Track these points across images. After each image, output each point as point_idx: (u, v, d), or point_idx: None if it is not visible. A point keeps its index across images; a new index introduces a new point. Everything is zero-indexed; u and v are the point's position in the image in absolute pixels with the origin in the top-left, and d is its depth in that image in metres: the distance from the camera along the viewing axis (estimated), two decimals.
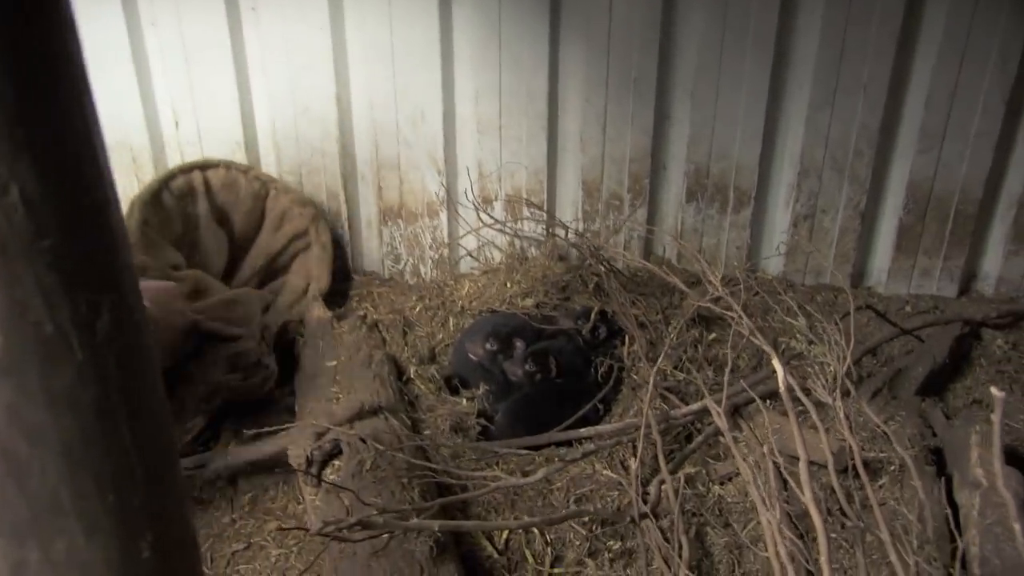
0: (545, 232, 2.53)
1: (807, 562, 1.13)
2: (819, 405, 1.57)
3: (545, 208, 2.55)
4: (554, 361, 2.05)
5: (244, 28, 2.40)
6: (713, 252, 2.58)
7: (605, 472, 1.67)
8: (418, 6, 2.31)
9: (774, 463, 1.47)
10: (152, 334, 0.57)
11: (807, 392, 1.52)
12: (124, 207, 2.37)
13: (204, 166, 2.38)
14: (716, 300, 1.72)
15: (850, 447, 1.46)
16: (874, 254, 2.56)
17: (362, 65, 2.42)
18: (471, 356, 2.18)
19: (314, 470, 1.59)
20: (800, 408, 1.60)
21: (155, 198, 2.24)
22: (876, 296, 2.54)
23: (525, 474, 1.63)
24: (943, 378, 2.05)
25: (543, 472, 1.50)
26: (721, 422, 1.52)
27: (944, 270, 2.50)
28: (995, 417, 0.98)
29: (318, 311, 2.25)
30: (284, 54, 2.40)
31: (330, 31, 2.36)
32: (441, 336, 2.39)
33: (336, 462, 1.64)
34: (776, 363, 1.13)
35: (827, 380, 1.42)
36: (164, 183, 2.27)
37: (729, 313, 1.59)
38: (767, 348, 1.41)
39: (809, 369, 1.65)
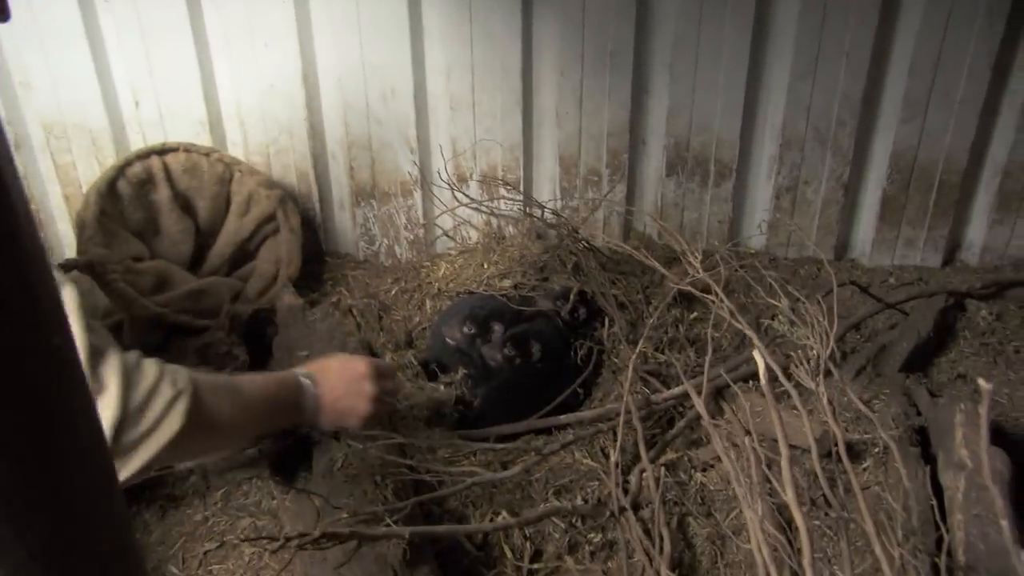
0: (523, 210, 2.47)
1: (790, 557, 1.10)
2: (801, 388, 1.53)
3: (521, 186, 2.49)
4: (536, 345, 2.00)
5: (203, 2, 2.29)
6: (695, 227, 2.54)
7: (585, 461, 1.64)
8: None
9: (755, 450, 1.43)
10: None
11: (789, 376, 1.48)
12: (82, 194, 2.29)
13: (162, 151, 2.28)
14: (696, 282, 1.68)
15: (833, 433, 1.43)
16: (857, 226, 2.53)
17: (328, 41, 2.32)
18: (448, 340, 2.13)
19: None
20: (782, 390, 1.57)
21: (111, 187, 2.15)
22: (860, 268, 2.51)
23: (504, 466, 1.60)
24: (928, 352, 2.03)
25: (521, 466, 1.47)
26: (701, 408, 1.49)
27: (928, 240, 2.47)
28: (982, 410, 0.94)
29: (289, 298, 2.18)
30: (246, 30, 2.30)
31: (293, 5, 2.27)
32: (418, 319, 2.34)
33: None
34: (756, 354, 1.08)
35: (809, 364, 1.39)
36: (120, 171, 2.18)
37: (709, 297, 1.54)
38: (748, 332, 1.37)
39: (791, 353, 1.61)
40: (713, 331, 2.09)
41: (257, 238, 2.44)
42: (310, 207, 2.56)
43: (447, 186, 2.46)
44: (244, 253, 2.44)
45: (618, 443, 1.53)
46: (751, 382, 1.84)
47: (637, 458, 1.61)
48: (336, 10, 2.27)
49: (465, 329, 2.10)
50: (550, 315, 2.14)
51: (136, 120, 2.41)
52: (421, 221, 2.57)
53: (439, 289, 2.40)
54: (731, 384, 1.76)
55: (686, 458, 1.67)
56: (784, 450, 1.27)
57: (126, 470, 1.00)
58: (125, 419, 0.99)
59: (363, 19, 2.27)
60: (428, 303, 2.38)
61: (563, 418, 1.76)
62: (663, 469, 1.62)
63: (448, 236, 2.60)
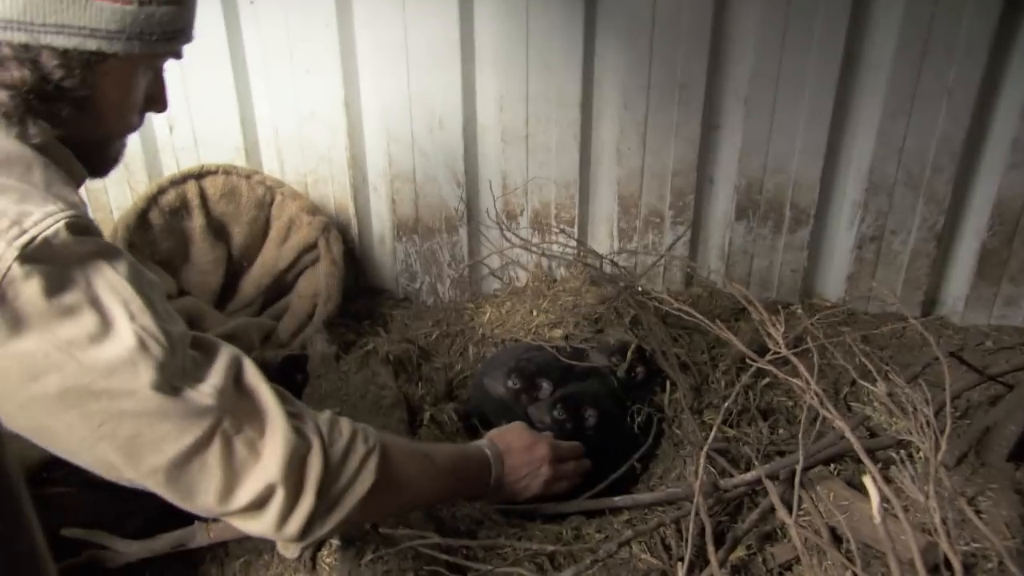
0: (576, 255, 2.32)
1: None
2: (901, 493, 1.34)
3: (576, 227, 2.35)
4: (591, 411, 1.84)
5: (242, 24, 2.20)
6: (764, 275, 2.37)
7: (644, 557, 1.47)
8: (435, 1, 2.09)
9: (848, 557, 1.25)
10: None
11: (888, 480, 1.30)
12: (113, 222, 2.20)
13: (200, 174, 2.19)
14: (779, 359, 1.50)
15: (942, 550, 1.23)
16: (950, 280, 2.32)
17: (373, 66, 2.21)
18: (491, 392, 1.99)
19: (308, 554, 1.40)
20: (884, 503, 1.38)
21: (141, 219, 2.06)
22: (950, 327, 2.30)
23: (552, 562, 1.43)
24: None
25: (571, 572, 1.30)
26: (777, 502, 1.31)
27: None
28: None
29: (321, 344, 2.06)
30: (286, 54, 2.21)
31: (336, 28, 2.16)
32: (460, 367, 2.22)
33: (334, 542, 1.45)
34: (869, 483, 0.91)
35: (915, 469, 1.20)
36: (152, 200, 2.09)
37: (796, 381, 1.36)
38: (849, 435, 1.18)
39: (892, 454, 1.42)
40: (787, 400, 1.92)
41: (296, 268, 2.33)
42: (349, 240, 2.46)
43: (495, 224, 2.34)
44: (281, 285, 2.34)
45: (687, 542, 1.35)
46: (832, 466, 1.65)
47: (702, 551, 1.43)
48: (382, 34, 2.15)
49: (510, 383, 1.96)
50: (604, 373, 1.99)
51: (170, 145, 2.33)
52: (466, 259, 2.44)
53: (483, 335, 2.29)
54: (810, 469, 1.58)
55: (760, 557, 1.48)
56: (895, 566, 1.09)
57: (329, 523, 1.05)
58: (328, 474, 1.03)
59: (411, 44, 2.15)
60: (471, 349, 2.26)
61: (618, 500, 1.61)
62: (733, 573, 1.44)
63: (495, 276, 2.48)
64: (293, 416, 1.03)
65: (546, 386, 1.96)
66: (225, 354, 1.02)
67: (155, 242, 2.12)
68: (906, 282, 2.30)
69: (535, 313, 2.27)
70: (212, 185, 2.17)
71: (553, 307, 2.26)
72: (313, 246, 2.28)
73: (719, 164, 2.26)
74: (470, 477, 1.43)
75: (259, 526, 1.00)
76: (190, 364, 0.98)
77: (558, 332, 2.18)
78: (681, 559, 1.36)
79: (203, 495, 0.96)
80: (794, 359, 1.41)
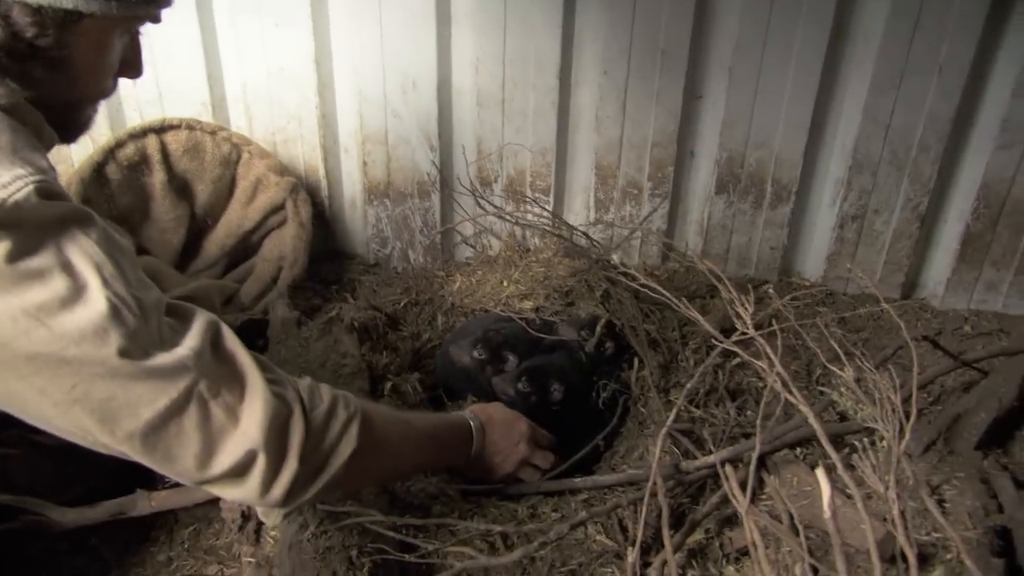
0: (551, 225, 2.27)
1: None
2: (863, 481, 1.30)
3: (552, 196, 2.29)
4: (557, 384, 1.80)
5: None
6: (743, 252, 2.33)
7: (599, 538, 1.44)
8: None
9: (803, 543, 1.21)
10: None
11: (851, 467, 1.25)
12: (72, 172, 2.12)
13: (161, 128, 2.10)
14: (747, 339, 1.45)
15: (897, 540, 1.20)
16: (931, 263, 2.28)
17: (345, 21, 2.13)
18: (457, 362, 1.95)
19: (250, 527, 1.36)
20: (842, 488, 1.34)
21: (97, 172, 1.99)
22: (929, 311, 2.26)
23: (505, 541, 1.40)
24: (1011, 425, 1.76)
25: (521, 551, 1.26)
26: (733, 491, 1.27)
27: (1015, 285, 2.20)
28: None
29: (282, 309, 2.00)
30: (254, 5, 2.11)
31: None
32: (427, 336, 2.18)
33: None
34: (820, 476, 0.87)
35: (878, 457, 1.15)
36: (109, 154, 2.01)
37: (760, 364, 1.31)
38: (812, 421, 1.14)
39: (855, 441, 1.38)
40: (758, 381, 1.88)
41: (262, 230, 2.27)
42: (319, 202, 2.39)
43: (469, 191, 2.27)
44: (246, 247, 2.28)
45: (640, 524, 1.31)
46: (798, 450, 1.61)
47: (659, 534, 1.40)
48: None
49: (475, 354, 1.92)
50: (572, 347, 1.95)
51: (134, 97, 2.24)
52: (438, 226, 2.39)
53: (452, 304, 2.23)
54: (774, 453, 1.55)
55: (717, 543, 1.45)
56: (840, 563, 1.05)
57: (313, 488, 1.04)
58: (310, 438, 1.02)
59: (385, 1, 2.05)
60: (440, 318, 2.22)
61: (579, 481, 1.57)
62: (690, 557, 1.40)
63: (467, 244, 2.43)
64: (273, 382, 1.01)
65: (512, 359, 1.91)
66: (201, 319, 1.00)
67: (112, 197, 2.04)
68: (887, 263, 2.26)
69: (506, 283, 2.22)
70: (174, 140, 2.09)
71: (524, 278, 2.21)
72: (280, 207, 2.21)
73: (700, 136, 2.20)
74: (452, 446, 1.44)
75: (242, 492, 0.99)
76: (166, 331, 0.95)
77: (528, 304, 2.13)
78: (634, 542, 1.33)
79: (182, 461, 0.94)
80: (760, 339, 1.36)
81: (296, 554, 1.26)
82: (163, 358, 0.91)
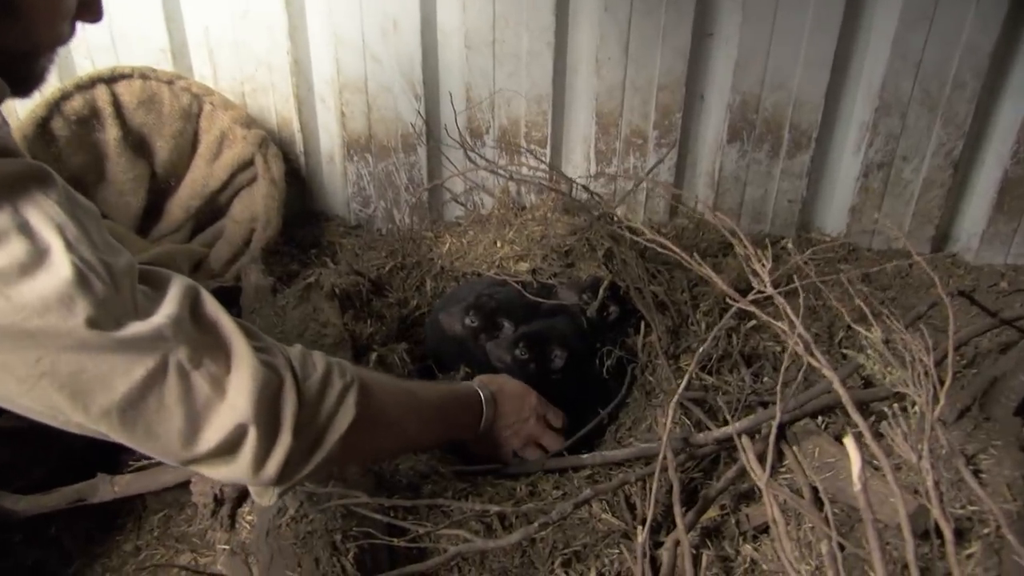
0: (548, 180, 2.24)
1: None
2: (892, 451, 1.28)
3: (549, 148, 2.25)
4: (559, 351, 1.79)
5: None
6: (758, 206, 2.29)
7: (605, 517, 1.42)
8: None
9: (827, 519, 1.19)
10: None
11: (880, 437, 1.24)
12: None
13: (111, 78, 2.03)
14: (763, 299, 1.42)
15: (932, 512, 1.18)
16: (965, 214, 2.24)
17: None
18: (448, 331, 1.95)
19: (224, 511, 1.34)
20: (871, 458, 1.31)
21: (41, 128, 1.93)
22: (962, 266, 2.24)
23: (503, 522, 1.38)
24: None
25: (520, 533, 1.24)
26: (752, 465, 1.25)
27: None
28: None
29: (256, 275, 1.97)
30: None
31: None
32: (415, 303, 2.16)
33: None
34: (849, 444, 0.84)
35: (909, 425, 1.12)
36: (54, 107, 1.95)
37: (779, 325, 1.28)
38: (837, 387, 1.11)
39: (884, 407, 1.35)
40: (775, 345, 1.86)
41: (230, 189, 2.22)
42: (293, 158, 2.34)
43: (458, 143, 2.23)
44: (213, 208, 2.23)
45: (650, 501, 1.29)
46: (821, 419, 1.59)
47: (670, 511, 1.38)
48: None
49: (468, 321, 1.92)
50: (573, 312, 1.94)
51: (84, 44, 2.18)
52: (425, 182, 2.35)
53: (442, 268, 2.22)
54: (796, 422, 1.52)
55: (733, 520, 1.43)
56: (872, 538, 1.03)
57: (310, 464, 1.03)
58: (304, 410, 1.01)
59: None
60: (429, 283, 2.20)
61: (586, 458, 1.55)
62: (704, 536, 1.39)
63: (457, 202, 2.39)
64: (261, 350, 1.00)
65: (507, 326, 1.90)
66: (179, 284, 0.97)
67: (61, 157, 1.98)
68: (916, 215, 2.23)
69: (500, 244, 2.20)
70: (127, 91, 2.02)
71: (520, 238, 2.19)
72: (249, 163, 2.16)
73: (711, 78, 2.16)
74: (460, 417, 1.45)
75: (234, 471, 0.98)
76: (140, 299, 0.91)
77: (524, 266, 2.11)
78: (643, 521, 1.31)
79: (165, 438, 0.92)
80: (779, 298, 1.33)
81: (274, 540, 1.24)
82: (137, 327, 0.88)
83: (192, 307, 0.95)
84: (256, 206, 2.18)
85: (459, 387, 1.51)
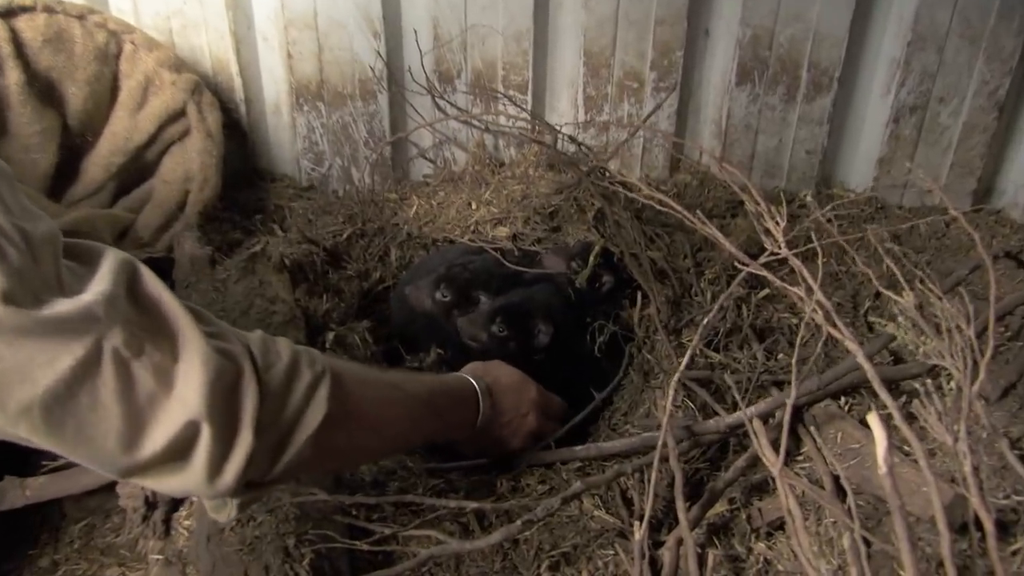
0: (530, 130, 2.24)
1: None
2: (926, 433, 1.30)
3: (530, 94, 2.26)
4: (543, 325, 1.80)
5: None
6: (772, 158, 2.32)
7: (598, 514, 1.44)
8: None
9: (850, 510, 1.21)
10: None
11: (911, 418, 1.25)
12: None
13: (8, 11, 1.98)
14: (776, 261, 1.43)
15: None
16: (1012, 163, 2.28)
17: None
18: (416, 306, 1.97)
19: (157, 516, 1.34)
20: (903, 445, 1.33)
21: None
22: (1008, 224, 2.28)
23: (481, 522, 1.40)
24: None
25: (501, 533, 1.25)
26: (765, 453, 1.27)
27: None
28: None
29: (191, 245, 1.96)
30: None
31: None
32: (378, 275, 2.18)
33: (194, 499, 1.39)
34: (873, 421, 0.85)
35: (945, 404, 1.14)
36: None
37: (795, 291, 1.29)
38: (863, 362, 1.11)
39: (916, 384, 1.37)
40: (791, 317, 1.88)
41: (158, 144, 2.20)
42: (232, 108, 2.34)
43: (425, 89, 2.23)
44: (139, 167, 2.21)
45: (649, 495, 1.30)
46: (843, 400, 1.61)
47: (672, 507, 1.41)
48: None
49: (439, 295, 1.94)
50: (560, 282, 1.96)
51: None
52: (387, 136, 2.35)
53: (409, 235, 2.23)
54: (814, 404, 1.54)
55: (744, 515, 1.46)
56: (901, 531, 1.05)
57: (276, 469, 1.02)
58: (267, 405, 0.99)
59: None
60: (394, 253, 2.21)
61: (579, 450, 1.57)
62: (710, 533, 1.41)
63: (425, 158, 2.40)
64: (214, 336, 0.98)
65: (484, 299, 1.92)
66: (112, 258, 0.94)
67: None
68: (955, 166, 2.26)
69: (475, 206, 2.22)
70: (29, 27, 1.99)
71: (498, 198, 2.21)
72: (180, 114, 2.14)
73: (717, 9, 2.18)
74: (452, 414, 1.44)
75: (185, 480, 0.95)
76: (66, 274, 0.89)
77: (504, 230, 2.13)
78: (641, 517, 1.33)
79: (101, 441, 0.88)
80: (795, 261, 1.34)
81: (217, 546, 1.25)
82: (62, 306, 0.85)
83: (129, 284, 0.93)
84: (190, 164, 2.16)
85: (449, 379, 1.50)
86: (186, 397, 0.91)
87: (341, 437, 1.13)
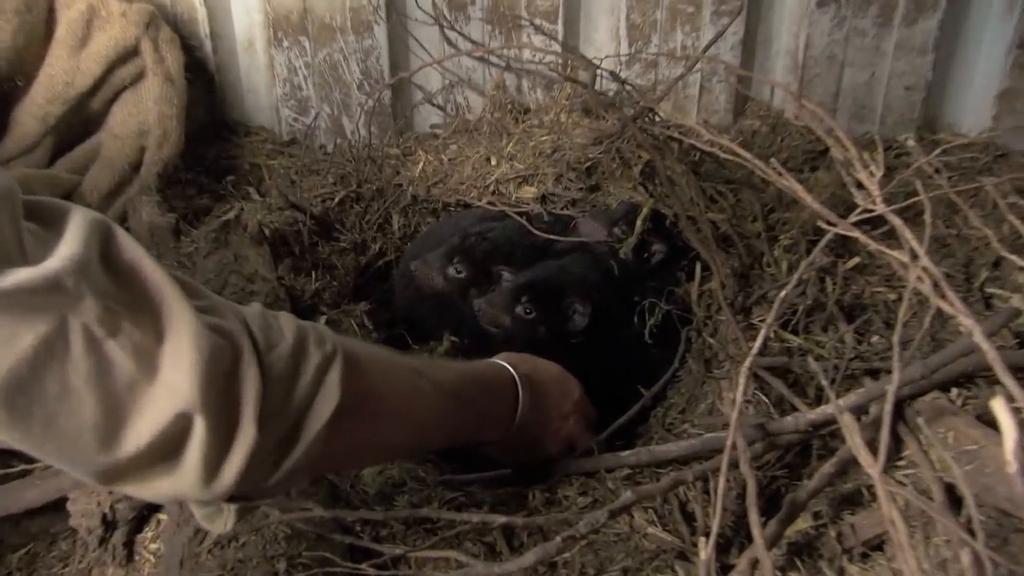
0: (561, 68, 2.25)
1: None
2: None
3: (560, 24, 2.28)
4: (579, 305, 1.82)
5: None
6: (863, 97, 2.33)
7: (652, 531, 1.45)
8: None
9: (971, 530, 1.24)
10: None
11: None
12: None
13: None
14: (869, 221, 1.44)
15: None
16: None
17: None
18: (424, 285, 2.02)
19: (117, 539, 1.37)
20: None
21: None
22: None
23: (509, 542, 1.41)
24: None
25: (536, 554, 1.26)
26: (863, 455, 1.28)
27: None
28: None
29: (150, 212, 1.99)
30: None
31: None
32: (378, 246, 2.23)
33: (161, 516, 1.43)
34: (1001, 410, 0.86)
35: None
36: None
37: (894, 254, 1.30)
38: (981, 342, 1.12)
39: None
40: (887, 292, 1.89)
41: (106, 91, 2.23)
42: (195, 45, 2.37)
43: (432, 18, 2.25)
44: (83, 117, 2.24)
45: (716, 509, 1.32)
46: (955, 392, 1.62)
47: (743, 522, 1.42)
48: None
49: (452, 270, 1.98)
50: (600, 253, 1.98)
51: None
52: (386, 77, 2.37)
53: (414, 198, 2.26)
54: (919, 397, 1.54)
55: (834, 534, 1.47)
56: None
57: (283, 468, 1.04)
58: (271, 392, 1.00)
59: None
60: (396, 220, 2.25)
61: (627, 456, 1.58)
62: (791, 554, 1.42)
63: (433, 104, 2.42)
64: (206, 310, 0.98)
65: (507, 276, 1.95)
66: (81, 218, 0.94)
67: None
68: None
69: (494, 162, 2.24)
70: None
71: (523, 152, 2.23)
72: (132, 52, 2.17)
73: None
74: (487, 407, 1.45)
75: (176, 483, 0.96)
76: (26, 237, 0.89)
77: (530, 191, 2.16)
78: (706, 534, 1.34)
79: (75, 436, 0.89)
80: (895, 218, 1.34)
81: (192, 573, 1.27)
82: (23, 275, 0.85)
83: (103, 248, 0.93)
84: (145, 114, 2.19)
85: (481, 366, 1.51)
86: (174, 384, 0.92)
87: (356, 430, 1.15)
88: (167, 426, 0.92)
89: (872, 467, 1.21)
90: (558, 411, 1.56)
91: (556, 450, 1.57)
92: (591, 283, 1.87)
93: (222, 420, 0.95)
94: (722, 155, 1.53)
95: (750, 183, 2.05)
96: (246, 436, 0.97)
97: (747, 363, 1.37)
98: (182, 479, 0.95)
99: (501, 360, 1.53)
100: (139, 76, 2.20)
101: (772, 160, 1.46)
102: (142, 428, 0.91)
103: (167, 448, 0.93)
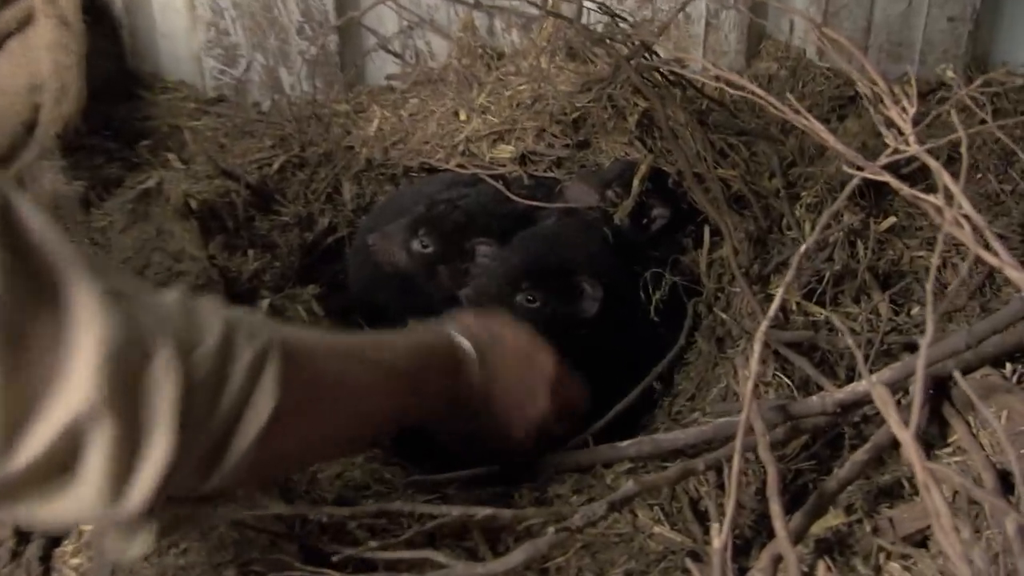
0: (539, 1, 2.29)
1: None
2: None
3: None
4: (592, 289, 1.85)
5: None
6: (898, 32, 2.38)
7: (658, 530, 1.51)
8: None
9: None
10: None
11: None
12: None
13: None
14: (903, 165, 1.51)
15: None
16: None
17: None
18: (384, 262, 2.05)
19: (32, 552, 1.43)
20: None
21: None
22: None
23: (492, 543, 1.47)
24: None
25: (525, 552, 1.32)
26: (906, 439, 1.35)
27: None
28: None
29: (51, 180, 2.03)
30: None
31: None
32: (327, 220, 2.27)
33: (83, 528, 1.47)
34: None
35: None
36: None
37: (928, 199, 1.37)
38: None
39: None
40: (925, 256, 1.94)
41: None
42: None
43: None
44: None
45: (730, 502, 1.39)
46: (1009, 367, 1.69)
47: (764, 521, 1.50)
48: None
49: (417, 244, 2.01)
50: (592, 220, 2.02)
51: None
52: (332, 19, 2.41)
53: (369, 161, 2.30)
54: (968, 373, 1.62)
55: (869, 528, 1.54)
56: None
57: (208, 482, 1.06)
58: (193, 398, 1.00)
59: None
60: (348, 188, 2.29)
61: (626, 446, 1.63)
62: (820, 551, 1.48)
63: (388, 50, 2.47)
64: (116, 295, 0.97)
65: (484, 249, 1.99)
66: None
67: None
68: None
69: (464, 116, 2.27)
70: None
71: (498, 104, 2.26)
72: None
73: None
74: (439, 385, 1.48)
75: (73, 503, 0.96)
76: None
77: (507, 150, 2.19)
78: (720, 530, 1.39)
79: None
80: (929, 159, 1.40)
81: None
82: None
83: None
84: (37, 64, 2.21)
85: (428, 337, 1.53)
86: (76, 382, 0.92)
87: (296, 433, 1.18)
88: (63, 432, 0.92)
89: (906, 436, 1.27)
90: (521, 386, 1.57)
91: (524, 436, 1.58)
92: (597, 258, 1.92)
93: (129, 428, 0.96)
94: (733, 92, 1.58)
95: (766, 134, 2.10)
96: (159, 447, 0.97)
97: (762, 328, 1.43)
98: (79, 497, 0.96)
99: (456, 325, 1.55)
100: (26, 21, 2.21)
101: (788, 96, 1.51)
102: (35, 435, 0.92)
103: (61, 461, 0.94)
